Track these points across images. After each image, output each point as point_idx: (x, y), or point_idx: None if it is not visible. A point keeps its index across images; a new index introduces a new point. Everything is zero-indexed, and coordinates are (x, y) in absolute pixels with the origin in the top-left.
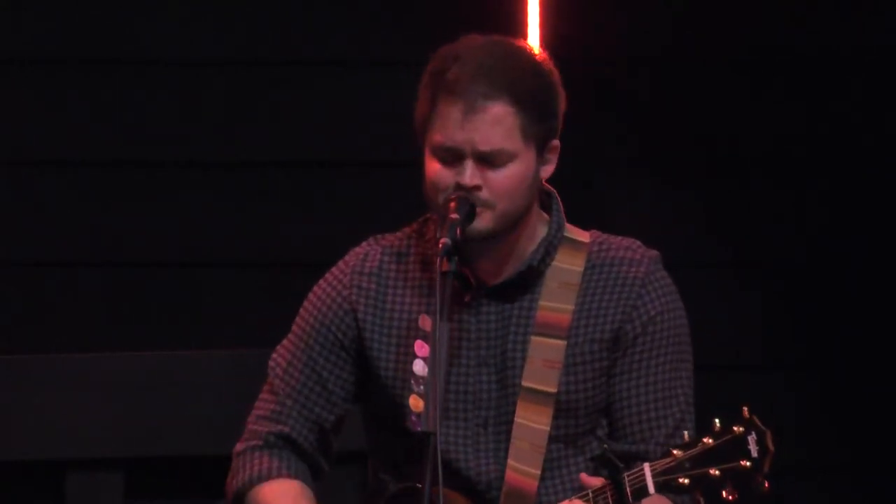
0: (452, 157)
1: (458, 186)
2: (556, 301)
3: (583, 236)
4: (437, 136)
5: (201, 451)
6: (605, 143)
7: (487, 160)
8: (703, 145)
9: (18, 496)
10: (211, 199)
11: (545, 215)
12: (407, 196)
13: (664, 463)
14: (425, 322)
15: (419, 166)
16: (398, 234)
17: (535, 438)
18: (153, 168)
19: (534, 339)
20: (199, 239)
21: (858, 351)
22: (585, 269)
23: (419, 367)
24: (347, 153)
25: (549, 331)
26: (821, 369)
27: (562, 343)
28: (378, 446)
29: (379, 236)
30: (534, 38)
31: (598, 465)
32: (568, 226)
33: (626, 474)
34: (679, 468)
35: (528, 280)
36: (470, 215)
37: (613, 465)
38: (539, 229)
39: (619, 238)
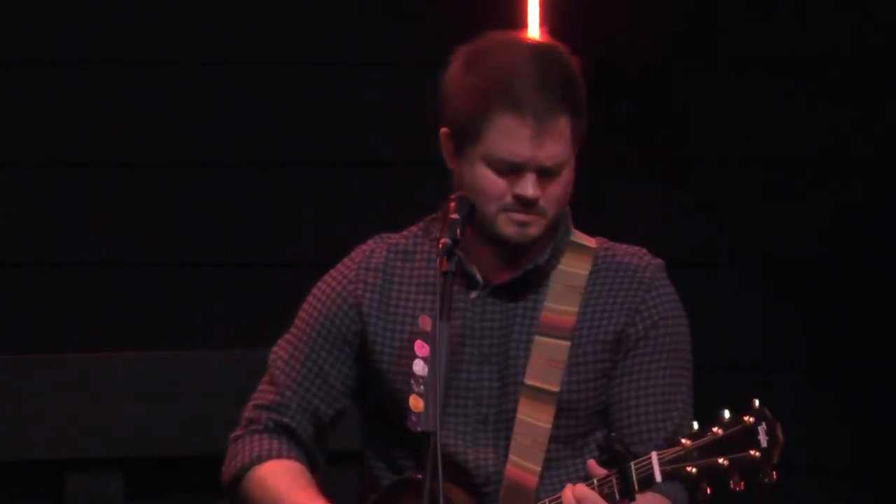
0: (510, 169)
1: (519, 198)
2: (560, 303)
3: (590, 242)
4: (499, 149)
5: (201, 450)
6: (607, 143)
7: (548, 173)
8: (704, 145)
9: (18, 496)
10: (211, 199)
11: None
12: (407, 195)
13: (672, 451)
14: (425, 322)
15: (420, 165)
16: (404, 233)
17: (537, 435)
18: (153, 168)
19: (538, 338)
20: (197, 239)
21: (859, 351)
22: (591, 272)
23: (419, 367)
24: (348, 153)
25: (553, 332)
26: (821, 369)
27: (566, 344)
28: (375, 442)
29: (385, 235)
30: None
31: (605, 453)
32: (576, 231)
33: (632, 462)
34: (687, 457)
35: (534, 280)
36: (471, 215)
37: (620, 453)
38: (549, 231)
39: (626, 245)
